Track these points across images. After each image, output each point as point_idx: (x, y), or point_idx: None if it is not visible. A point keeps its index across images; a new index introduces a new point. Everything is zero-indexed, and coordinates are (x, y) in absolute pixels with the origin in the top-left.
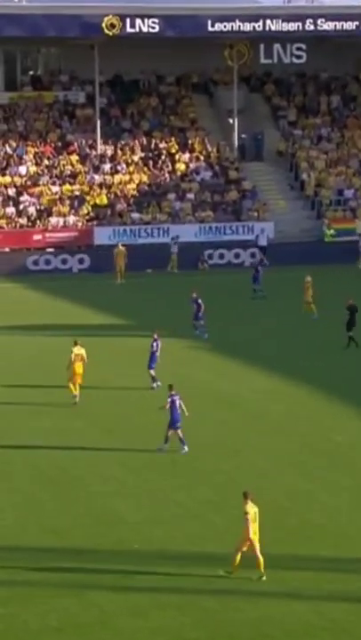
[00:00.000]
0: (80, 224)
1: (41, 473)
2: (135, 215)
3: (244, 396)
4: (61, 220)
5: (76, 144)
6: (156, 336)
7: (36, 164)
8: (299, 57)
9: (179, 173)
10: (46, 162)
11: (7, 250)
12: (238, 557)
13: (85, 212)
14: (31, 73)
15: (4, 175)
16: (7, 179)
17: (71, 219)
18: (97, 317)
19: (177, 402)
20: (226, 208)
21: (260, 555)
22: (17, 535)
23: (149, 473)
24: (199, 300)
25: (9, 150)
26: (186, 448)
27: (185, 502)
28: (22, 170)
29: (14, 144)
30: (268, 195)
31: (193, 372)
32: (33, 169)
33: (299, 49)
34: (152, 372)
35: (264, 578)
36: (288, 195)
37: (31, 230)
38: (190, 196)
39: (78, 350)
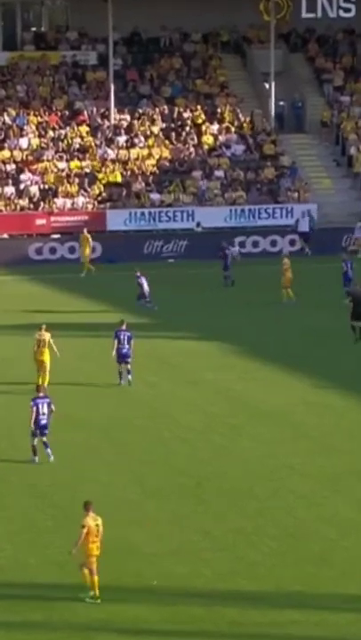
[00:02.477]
0: (91, 206)
1: (42, 496)
2: (155, 196)
3: (282, 408)
4: (69, 202)
5: (85, 113)
6: (124, 327)
7: (40, 136)
8: (347, 10)
9: (206, 147)
10: (51, 133)
11: (6, 236)
12: (95, 578)
13: (97, 192)
14: (34, 30)
15: (2, 149)
16: (6, 153)
17: (80, 200)
18: (111, 315)
19: (40, 406)
20: (261, 188)
21: (97, 575)
22: (15, 569)
23: (171, 497)
24: (141, 279)
25: (8, 120)
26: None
27: (213, 532)
28: (23, 143)
29: (14, 112)
30: (311, 172)
31: (223, 379)
32: (36, 142)
33: (347, 1)
34: (120, 367)
35: (98, 600)
36: (334, 172)
37: (34, 214)
38: (219, 173)
39: (41, 336)
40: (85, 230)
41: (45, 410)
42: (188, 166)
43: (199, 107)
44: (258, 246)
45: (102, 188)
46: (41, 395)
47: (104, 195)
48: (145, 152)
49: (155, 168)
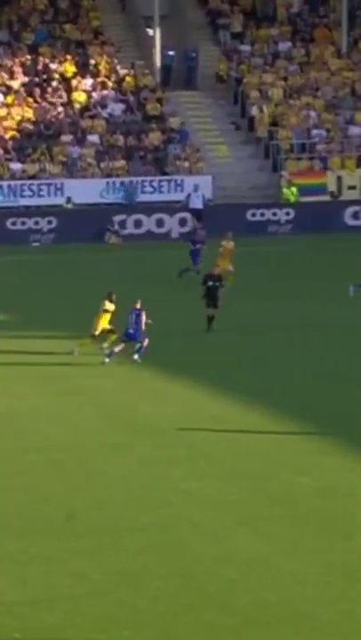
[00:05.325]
0: None
1: None
2: (16, 166)
3: (176, 424)
4: None
5: None
6: (138, 306)
7: None
8: None
9: (77, 106)
10: None
11: None
12: None
13: None
14: None
15: None
16: None
17: None
18: None
19: (131, 316)
20: (144, 156)
21: None
22: None
23: (38, 535)
24: None
25: None
26: None
27: (88, 574)
28: None
29: None
30: (204, 137)
31: (99, 389)
32: None
33: None
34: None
35: None
36: (232, 137)
37: None
38: (94, 138)
39: (107, 306)
40: None
41: (133, 320)
42: (56, 129)
43: (69, 57)
44: (141, 227)
45: None
46: (137, 306)
47: None
48: (3, 112)
49: (15, 132)
